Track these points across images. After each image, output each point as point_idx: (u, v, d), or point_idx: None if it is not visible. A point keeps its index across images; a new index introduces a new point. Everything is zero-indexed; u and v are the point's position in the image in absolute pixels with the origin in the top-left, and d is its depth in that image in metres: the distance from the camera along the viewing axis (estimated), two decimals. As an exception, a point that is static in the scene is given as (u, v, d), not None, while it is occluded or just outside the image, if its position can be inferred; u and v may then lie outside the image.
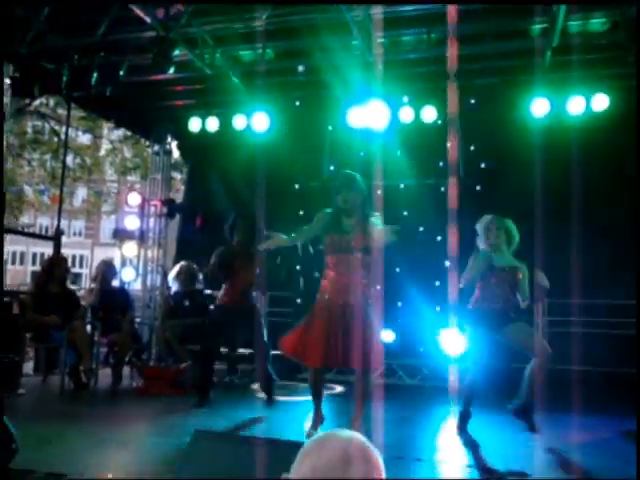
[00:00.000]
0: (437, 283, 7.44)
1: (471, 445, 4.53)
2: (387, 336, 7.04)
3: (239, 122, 7.93)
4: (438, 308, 7.37)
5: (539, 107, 6.99)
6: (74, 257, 32.05)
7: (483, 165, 7.60)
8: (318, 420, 4.35)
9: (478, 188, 7.49)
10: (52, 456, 3.64)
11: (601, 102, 6.93)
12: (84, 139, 19.06)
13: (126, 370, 6.74)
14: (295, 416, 5.25)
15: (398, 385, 7.12)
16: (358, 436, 1.21)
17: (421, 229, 7.65)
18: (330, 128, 8.04)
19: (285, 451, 2.58)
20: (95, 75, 6.51)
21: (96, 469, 3.46)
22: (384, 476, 1.18)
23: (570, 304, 6.59)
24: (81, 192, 26.19)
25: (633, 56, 6.03)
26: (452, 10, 5.61)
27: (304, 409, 5.16)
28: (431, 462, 3.94)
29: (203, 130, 8.19)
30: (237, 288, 5.59)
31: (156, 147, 9.08)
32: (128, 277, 8.63)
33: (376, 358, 4.18)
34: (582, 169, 6.55)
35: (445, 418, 5.70)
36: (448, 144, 7.35)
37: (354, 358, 4.03)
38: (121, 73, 6.69)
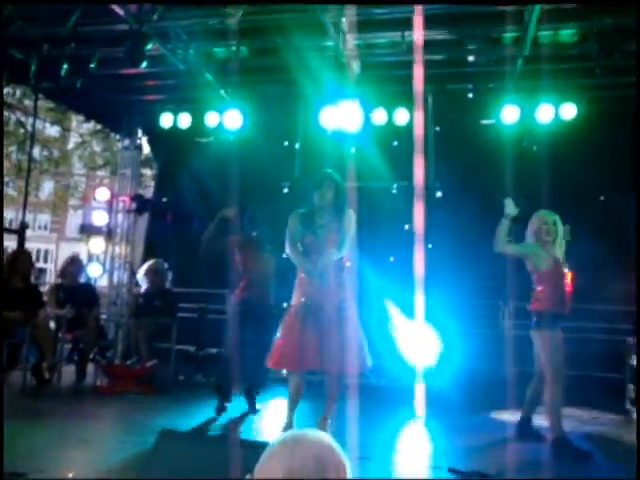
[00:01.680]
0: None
1: (437, 446, 4.58)
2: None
3: (211, 119, 7.86)
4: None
5: (509, 114, 7.09)
6: (39, 251, 31.41)
7: (454, 169, 7.68)
8: (289, 425, 4.25)
9: (439, 194, 7.57)
10: (13, 454, 3.55)
11: (569, 111, 7.07)
12: (52, 131, 18.69)
13: (90, 368, 6.63)
14: (264, 416, 5.24)
15: (366, 385, 7.13)
16: (327, 437, 1.21)
17: (391, 259, 7.71)
18: (302, 128, 8.02)
19: (251, 451, 2.57)
20: (65, 66, 6.37)
21: (58, 468, 3.40)
22: (350, 477, 1.18)
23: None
24: (48, 185, 25.67)
25: (601, 68, 6.18)
26: (419, 18, 5.65)
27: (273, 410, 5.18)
28: (397, 463, 3.97)
29: (175, 126, 8.10)
30: (254, 283, 5.43)
31: (126, 142, 8.96)
32: (95, 273, 8.49)
33: (358, 360, 4.16)
34: (551, 176, 6.69)
35: (411, 419, 5.75)
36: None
37: (332, 361, 3.99)
38: (92, 65, 6.56)
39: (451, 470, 3.70)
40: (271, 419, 5.17)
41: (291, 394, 4.28)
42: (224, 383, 5.33)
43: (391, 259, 7.53)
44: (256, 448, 2.69)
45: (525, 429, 4.61)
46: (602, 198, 7.44)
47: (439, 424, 5.42)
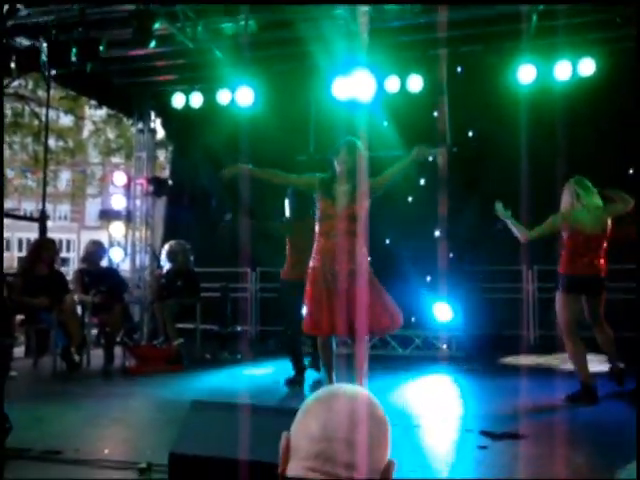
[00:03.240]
0: (427, 253, 7.46)
1: (467, 410, 4.57)
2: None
3: (223, 97, 7.82)
4: (429, 278, 7.40)
5: (526, 74, 6.93)
6: (60, 241, 31.80)
7: (471, 133, 7.55)
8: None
9: (466, 156, 7.46)
10: (46, 434, 3.62)
11: (588, 67, 6.89)
12: (66, 120, 18.74)
13: (118, 350, 6.71)
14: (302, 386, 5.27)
15: (391, 356, 7.15)
16: (363, 392, 1.17)
17: (410, 199, 7.63)
18: (315, 100, 7.93)
19: (285, 418, 2.58)
20: (74, 51, 6.34)
21: (92, 446, 3.44)
22: (390, 432, 1.15)
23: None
24: (65, 175, 25.87)
25: (620, 17, 5.99)
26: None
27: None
28: (428, 428, 3.96)
29: (187, 106, 8.08)
30: (303, 261, 5.33)
31: (140, 125, 8.95)
32: (116, 257, 8.55)
33: (390, 316, 4.22)
34: (569, 135, 6.56)
35: (439, 386, 5.75)
36: (435, 113, 7.31)
37: (361, 323, 4.00)
38: (101, 48, 6.53)
39: (483, 433, 3.68)
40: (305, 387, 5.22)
41: (323, 359, 4.37)
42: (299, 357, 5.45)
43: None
44: (291, 414, 2.70)
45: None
46: (625, 158, 7.24)
47: (468, 387, 5.42)
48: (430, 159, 5.14)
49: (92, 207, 31.67)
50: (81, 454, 3.24)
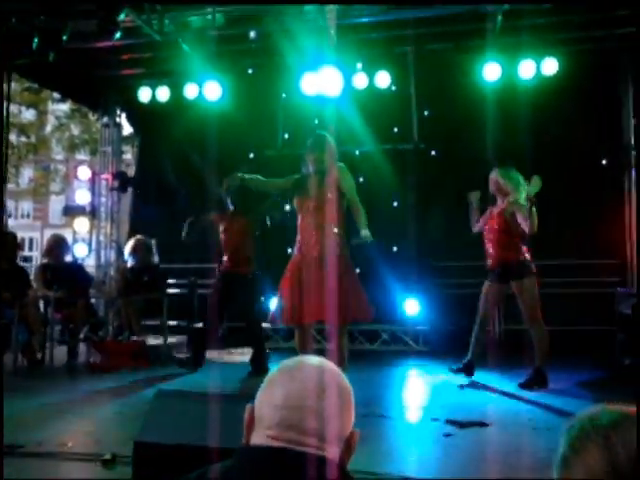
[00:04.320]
0: (394, 249, 7.53)
1: (433, 401, 4.63)
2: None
3: (190, 91, 7.72)
4: (397, 273, 7.46)
5: (491, 72, 7.03)
6: (23, 240, 31.07)
7: (437, 129, 7.63)
8: None
9: (433, 152, 7.54)
10: (8, 429, 3.52)
11: (550, 66, 7.02)
12: (28, 115, 18.33)
13: (82, 347, 6.59)
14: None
15: (358, 350, 7.17)
16: (327, 362, 1.18)
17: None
18: (284, 95, 7.91)
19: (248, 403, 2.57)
20: (36, 40, 6.20)
21: (55, 439, 3.38)
22: (353, 402, 1.16)
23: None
24: (27, 172, 25.28)
25: (580, 20, 6.15)
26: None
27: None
28: (396, 418, 4.00)
29: (153, 100, 7.96)
30: (232, 254, 5.75)
31: (105, 119, 8.80)
32: (80, 253, 8.39)
33: (365, 306, 4.26)
34: (533, 133, 6.69)
35: (406, 379, 5.80)
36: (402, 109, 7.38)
37: (331, 310, 4.05)
38: (64, 38, 6.39)
39: (449, 421, 3.72)
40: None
41: (299, 350, 4.37)
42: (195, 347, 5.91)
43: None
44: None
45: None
46: (586, 154, 7.43)
47: (434, 380, 5.48)
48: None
49: (56, 205, 31.01)
50: (44, 448, 3.18)
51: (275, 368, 1.15)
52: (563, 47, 7.02)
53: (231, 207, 5.96)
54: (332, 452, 1.07)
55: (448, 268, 7.42)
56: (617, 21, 6.57)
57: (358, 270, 7.47)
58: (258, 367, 5.42)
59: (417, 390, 5.20)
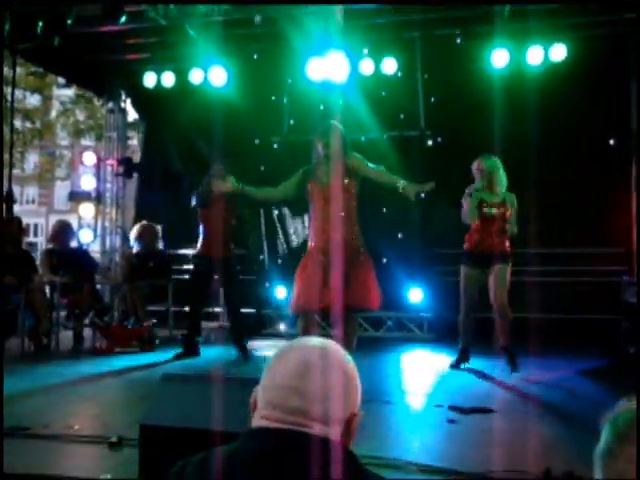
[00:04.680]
0: (399, 235, 7.51)
1: (437, 387, 4.64)
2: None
3: (196, 76, 7.70)
4: (403, 260, 7.45)
5: (499, 58, 6.97)
6: (28, 225, 31.16)
7: (444, 116, 7.58)
8: None
9: (439, 139, 7.50)
10: (16, 411, 3.55)
11: (559, 52, 6.95)
12: (33, 100, 18.30)
13: (87, 332, 6.62)
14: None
15: (363, 337, 7.17)
16: (331, 344, 1.16)
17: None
18: (289, 81, 7.86)
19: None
20: (40, 24, 6.16)
21: (62, 422, 3.40)
22: (355, 384, 1.14)
23: (527, 254, 6.72)
24: (32, 158, 25.28)
25: (593, 4, 6.06)
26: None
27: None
28: (400, 404, 4.01)
29: (159, 85, 7.93)
30: (213, 237, 5.67)
31: (110, 104, 8.78)
32: (86, 239, 8.41)
33: (373, 296, 4.33)
34: (541, 120, 6.62)
35: (410, 365, 5.81)
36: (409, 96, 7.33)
37: (340, 300, 4.05)
38: (68, 22, 6.36)
39: (452, 407, 3.73)
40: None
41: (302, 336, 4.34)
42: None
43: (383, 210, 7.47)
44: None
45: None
46: (595, 142, 7.37)
47: (437, 367, 5.49)
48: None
49: (61, 190, 31.04)
50: (50, 430, 3.20)
51: (276, 350, 1.15)
52: (571, 33, 6.94)
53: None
54: (326, 432, 1.06)
55: (452, 256, 7.40)
56: (625, 5, 6.48)
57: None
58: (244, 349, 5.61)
59: (420, 376, 5.20)
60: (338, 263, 4.13)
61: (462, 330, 5.14)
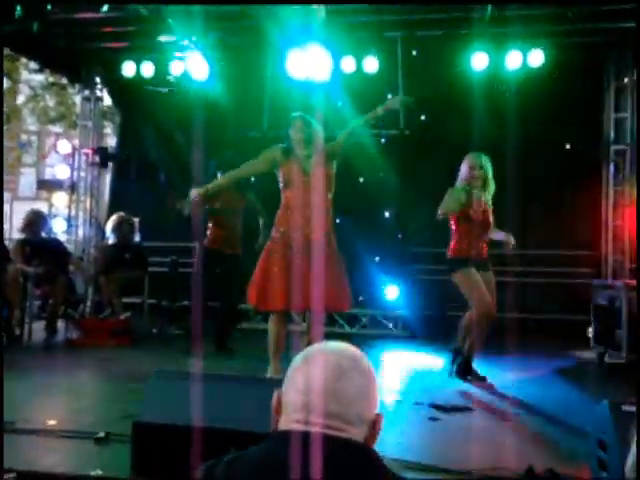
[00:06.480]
0: (375, 233, 7.59)
1: (415, 385, 4.71)
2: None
3: (176, 68, 7.62)
4: (377, 258, 7.53)
5: (479, 61, 7.07)
6: (-9, 212, 30.31)
7: (423, 117, 7.67)
8: (276, 372, 4.01)
9: (417, 139, 7.58)
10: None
11: (537, 58, 7.09)
12: (1, 84, 17.78)
13: (61, 324, 6.52)
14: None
15: (339, 334, 7.24)
16: (348, 347, 1.21)
17: (361, 180, 7.70)
18: (270, 77, 7.82)
19: (248, 385, 2.59)
20: (19, 8, 6.02)
21: (43, 416, 3.35)
22: (376, 385, 1.20)
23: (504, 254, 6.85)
24: (-2, 143, 24.58)
25: (572, 12, 6.20)
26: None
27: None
28: (379, 402, 4.06)
29: (137, 75, 7.82)
30: (225, 233, 5.74)
31: (86, 92, 8.62)
32: (58, 228, 8.27)
33: (346, 296, 4.19)
34: (516, 123, 6.75)
35: (386, 362, 5.89)
36: (389, 95, 7.36)
37: (320, 299, 3.79)
38: (48, 7, 6.23)
39: (433, 406, 3.80)
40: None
41: (272, 340, 4.12)
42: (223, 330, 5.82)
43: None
44: (253, 382, 2.72)
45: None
46: (567, 147, 7.57)
47: (413, 364, 5.58)
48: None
49: (26, 177, 30.33)
50: (32, 424, 3.16)
51: (299, 355, 1.19)
52: (549, 39, 7.09)
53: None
54: (356, 434, 1.11)
55: (428, 254, 7.50)
56: (603, 15, 6.65)
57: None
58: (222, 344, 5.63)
59: (398, 374, 5.28)
60: (319, 263, 3.86)
61: (476, 335, 4.63)
